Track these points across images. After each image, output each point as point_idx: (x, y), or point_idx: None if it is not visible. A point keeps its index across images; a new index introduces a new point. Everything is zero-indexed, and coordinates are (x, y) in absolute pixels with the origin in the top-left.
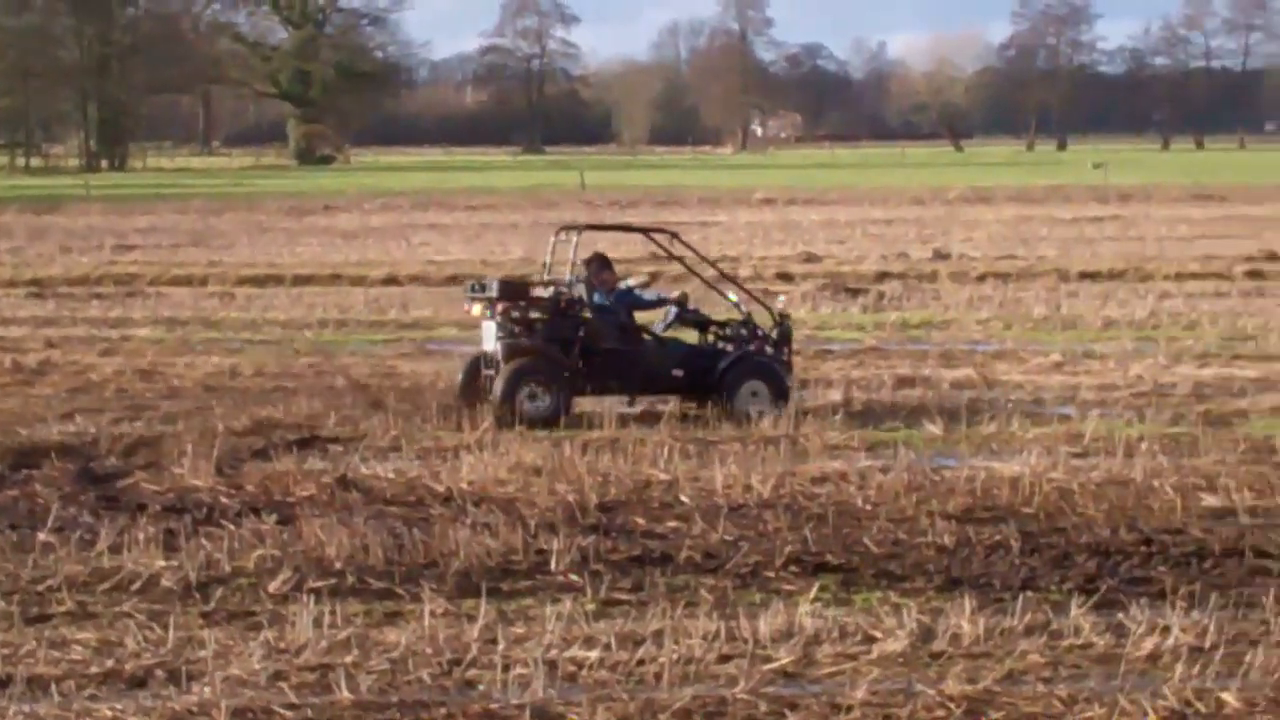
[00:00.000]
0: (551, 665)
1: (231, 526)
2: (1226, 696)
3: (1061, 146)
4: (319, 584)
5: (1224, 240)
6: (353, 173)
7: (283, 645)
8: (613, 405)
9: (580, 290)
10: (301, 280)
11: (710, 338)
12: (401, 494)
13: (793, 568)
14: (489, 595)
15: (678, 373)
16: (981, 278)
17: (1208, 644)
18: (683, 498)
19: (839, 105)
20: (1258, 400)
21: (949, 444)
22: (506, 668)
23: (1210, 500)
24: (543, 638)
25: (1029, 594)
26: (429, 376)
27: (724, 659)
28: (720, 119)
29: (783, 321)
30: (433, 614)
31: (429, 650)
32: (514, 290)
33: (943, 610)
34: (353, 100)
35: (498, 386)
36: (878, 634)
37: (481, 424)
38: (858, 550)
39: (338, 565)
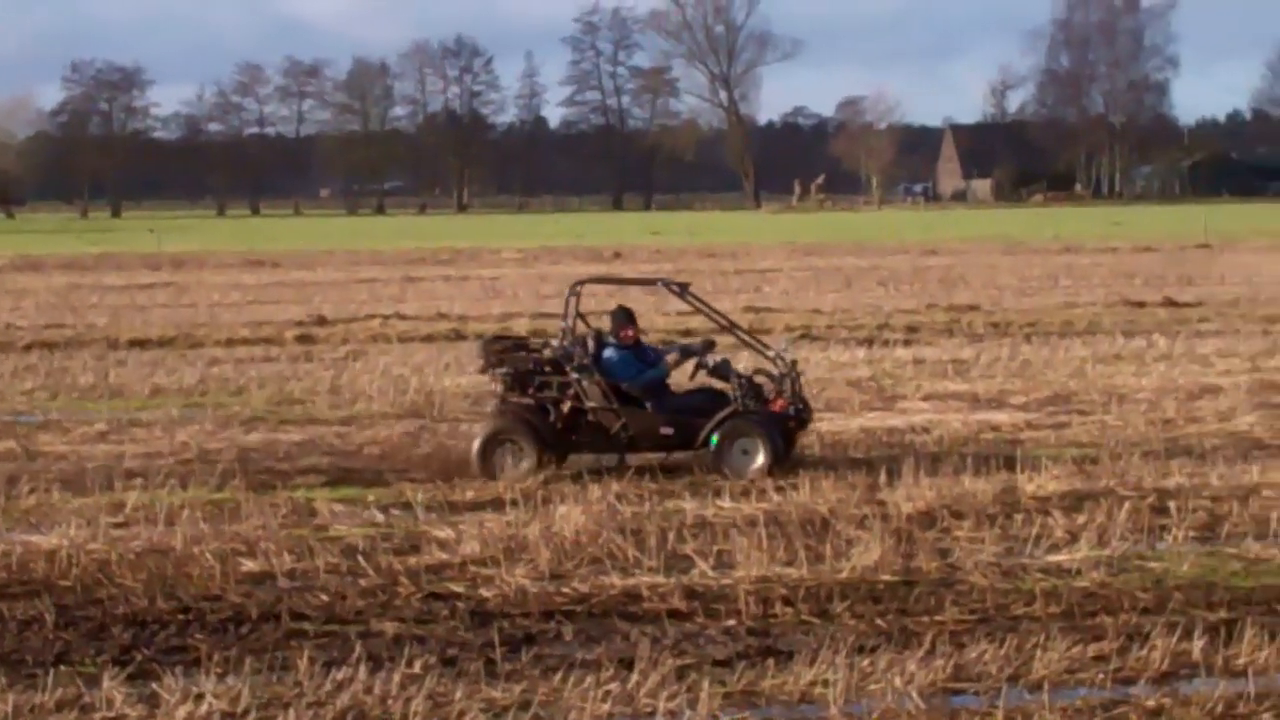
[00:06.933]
0: None
1: None
2: None
3: (116, 213)
4: None
5: (276, 305)
6: None
7: None
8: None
9: (576, 348)
10: None
11: (733, 389)
12: None
13: None
14: None
15: (667, 431)
16: (28, 347)
17: (241, 709)
18: None
19: None
20: (300, 463)
21: None
22: None
23: (250, 565)
24: None
25: (62, 668)
26: None
27: None
28: None
29: (791, 369)
30: None
31: None
32: (494, 350)
33: None
34: None
35: (474, 446)
36: None
37: None
38: None
39: None
